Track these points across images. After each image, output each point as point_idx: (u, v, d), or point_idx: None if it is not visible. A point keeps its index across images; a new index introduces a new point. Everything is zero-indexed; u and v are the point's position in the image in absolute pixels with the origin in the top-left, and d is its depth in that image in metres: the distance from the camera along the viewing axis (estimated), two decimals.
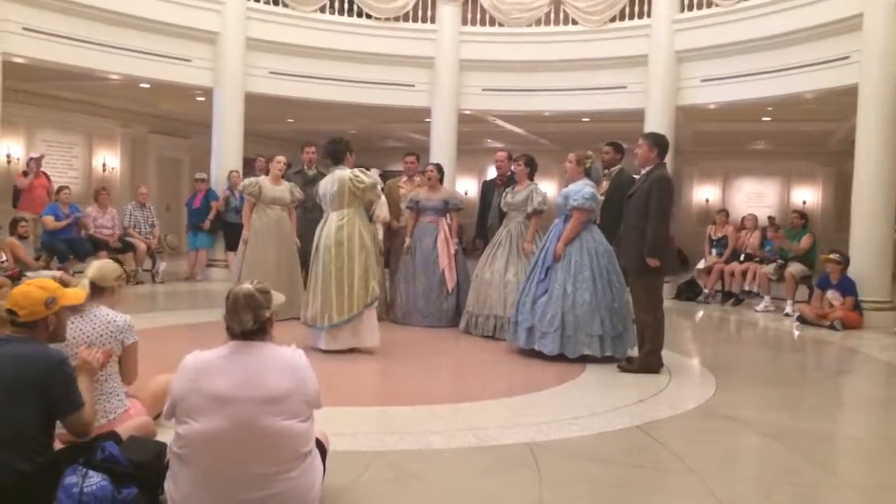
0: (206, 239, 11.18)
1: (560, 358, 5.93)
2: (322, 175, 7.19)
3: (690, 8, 11.05)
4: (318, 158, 8.76)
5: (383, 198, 7.02)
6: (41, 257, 9.67)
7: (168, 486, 2.63)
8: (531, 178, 7.12)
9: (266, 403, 2.53)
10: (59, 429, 2.87)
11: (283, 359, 2.68)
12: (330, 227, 6.10)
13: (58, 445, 2.86)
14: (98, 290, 3.48)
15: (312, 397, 2.67)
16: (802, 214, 10.38)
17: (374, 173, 6.26)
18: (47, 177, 10.93)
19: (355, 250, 6.05)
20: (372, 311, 6.18)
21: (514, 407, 4.72)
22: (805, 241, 9.80)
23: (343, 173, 6.12)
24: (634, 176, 6.58)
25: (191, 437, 2.54)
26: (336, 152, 6.29)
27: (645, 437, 4.10)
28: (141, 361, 3.58)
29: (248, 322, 2.65)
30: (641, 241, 5.52)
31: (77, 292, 3.08)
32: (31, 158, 10.84)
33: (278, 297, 2.80)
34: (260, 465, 2.52)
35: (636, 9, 11.48)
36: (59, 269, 9.41)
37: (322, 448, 2.85)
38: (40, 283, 2.91)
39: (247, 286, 2.74)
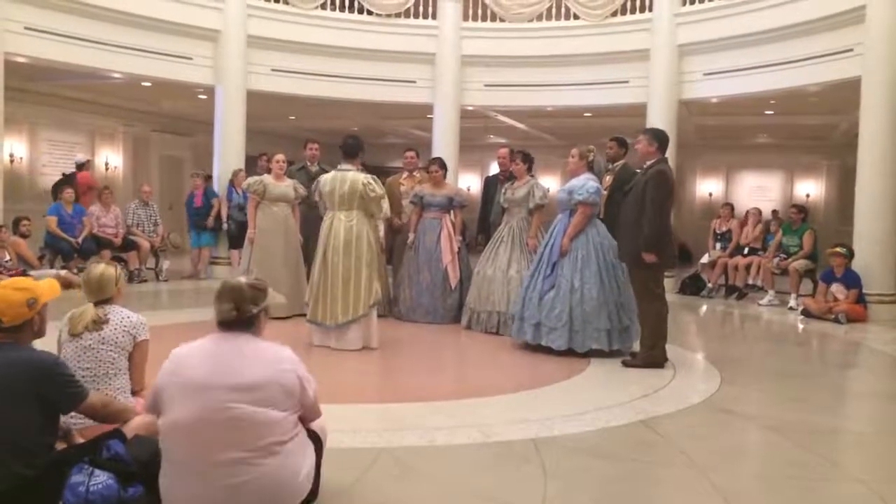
0: (208, 237, 11.19)
1: (565, 353, 5.93)
2: (325, 171, 7.20)
3: (692, 1, 11.03)
4: (320, 155, 8.77)
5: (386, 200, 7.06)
6: (45, 256, 9.69)
7: (160, 479, 2.65)
8: (529, 172, 7.12)
9: (235, 390, 2.54)
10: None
11: (263, 349, 2.69)
12: (338, 227, 6.12)
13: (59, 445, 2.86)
14: (106, 300, 3.48)
15: (292, 388, 2.65)
16: (801, 209, 10.31)
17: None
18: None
19: (363, 251, 6.11)
20: (374, 311, 6.22)
21: (517, 402, 4.72)
22: (807, 239, 9.76)
23: (357, 176, 6.18)
24: (637, 171, 6.57)
25: (167, 426, 2.58)
26: (352, 148, 6.34)
27: (649, 432, 4.10)
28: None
29: (227, 311, 2.68)
30: (638, 236, 5.53)
31: (52, 285, 2.95)
32: (88, 160, 11.90)
33: (275, 297, 2.81)
34: (229, 450, 2.52)
35: (638, 3, 11.46)
36: (62, 267, 9.44)
37: (318, 441, 2.85)
38: (16, 285, 2.82)
39: (240, 279, 2.78)
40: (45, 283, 2.92)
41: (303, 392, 2.70)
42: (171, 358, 2.69)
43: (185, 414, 2.54)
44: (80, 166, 11.76)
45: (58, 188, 10.78)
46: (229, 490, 2.52)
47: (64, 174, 12.30)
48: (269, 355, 2.69)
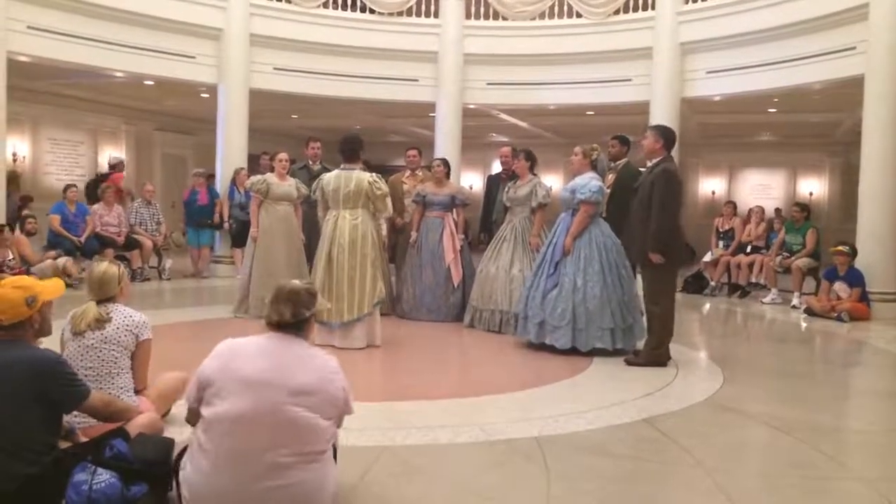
0: (208, 236, 11.21)
1: (568, 351, 5.93)
2: (327, 170, 7.20)
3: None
4: (322, 154, 8.77)
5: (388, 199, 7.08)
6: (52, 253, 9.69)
7: (185, 473, 2.63)
8: (532, 170, 7.12)
9: (291, 394, 2.57)
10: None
11: (314, 357, 2.73)
12: (343, 225, 6.14)
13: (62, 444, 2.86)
14: (108, 299, 3.48)
15: (339, 399, 2.69)
16: (803, 207, 10.30)
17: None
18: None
19: (368, 249, 6.14)
20: (377, 310, 6.25)
21: (521, 401, 4.72)
22: (810, 238, 9.74)
23: (362, 175, 6.22)
24: (641, 169, 6.56)
25: (215, 417, 2.56)
26: (352, 151, 6.35)
27: (652, 430, 4.10)
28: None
29: (286, 314, 2.71)
30: (645, 235, 5.51)
31: (56, 284, 2.98)
32: (120, 161, 12.27)
33: (323, 303, 2.84)
34: (274, 451, 2.53)
35: (640, 1, 11.45)
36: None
37: (333, 448, 2.85)
38: (16, 283, 2.83)
39: (297, 282, 2.82)
40: (48, 283, 2.93)
41: (345, 404, 2.74)
42: (221, 351, 2.69)
43: (240, 408, 2.54)
44: (114, 167, 12.00)
45: (91, 187, 10.93)
46: (266, 491, 2.52)
47: (98, 174, 12.52)
48: (319, 363, 2.72)
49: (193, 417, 2.71)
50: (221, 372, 2.62)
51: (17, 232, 9.26)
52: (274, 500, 2.53)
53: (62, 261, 9.08)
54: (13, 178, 11.51)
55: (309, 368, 2.66)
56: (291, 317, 2.71)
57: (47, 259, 9.04)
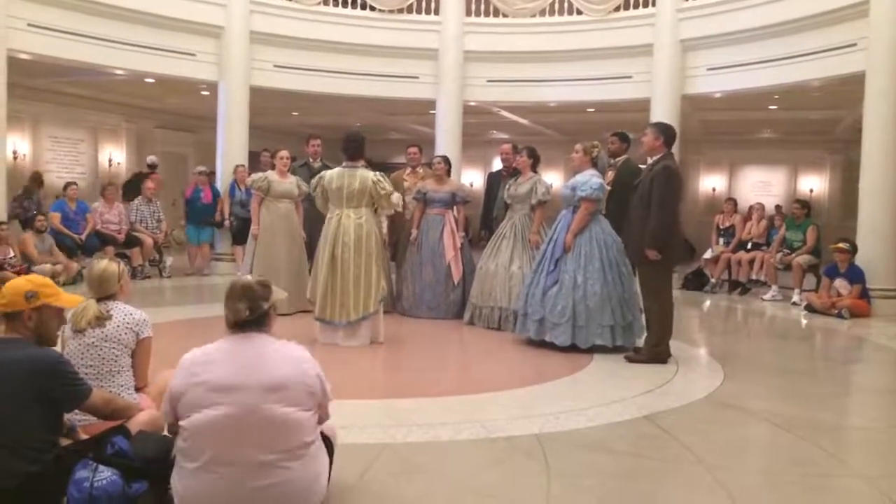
0: (208, 233, 11.21)
1: (568, 348, 5.93)
2: (328, 167, 7.20)
3: None
4: (322, 151, 8.77)
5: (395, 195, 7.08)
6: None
7: (174, 480, 2.64)
8: (534, 169, 7.11)
9: (267, 391, 2.55)
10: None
11: (282, 349, 2.70)
12: (348, 224, 6.13)
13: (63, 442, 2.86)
14: (108, 297, 3.48)
15: (314, 387, 2.67)
16: (804, 204, 10.30)
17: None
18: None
19: (373, 248, 6.16)
20: (381, 306, 6.27)
21: (521, 398, 4.72)
22: (810, 235, 9.74)
23: (366, 174, 6.21)
24: (641, 166, 6.56)
25: (195, 427, 2.55)
26: (356, 149, 6.34)
27: (653, 427, 4.10)
28: None
29: (243, 312, 2.67)
30: (644, 233, 5.51)
31: (71, 297, 3.00)
32: (156, 164, 12.68)
33: (279, 293, 2.81)
34: (260, 451, 2.52)
35: None
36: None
37: (329, 444, 2.85)
38: (32, 277, 2.87)
39: (247, 278, 2.78)
40: (65, 294, 2.95)
41: (323, 392, 2.71)
42: (186, 362, 2.66)
43: (217, 415, 2.52)
44: (153, 167, 12.33)
45: (131, 185, 10.96)
46: (255, 491, 2.52)
47: (135, 173, 13.10)
48: (289, 353, 2.69)
49: (174, 431, 2.70)
50: (190, 381, 2.59)
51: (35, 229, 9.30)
52: (263, 499, 2.53)
53: (58, 267, 8.98)
54: (37, 178, 11.55)
55: (279, 361, 2.64)
56: (249, 313, 2.67)
57: (47, 263, 9.00)
